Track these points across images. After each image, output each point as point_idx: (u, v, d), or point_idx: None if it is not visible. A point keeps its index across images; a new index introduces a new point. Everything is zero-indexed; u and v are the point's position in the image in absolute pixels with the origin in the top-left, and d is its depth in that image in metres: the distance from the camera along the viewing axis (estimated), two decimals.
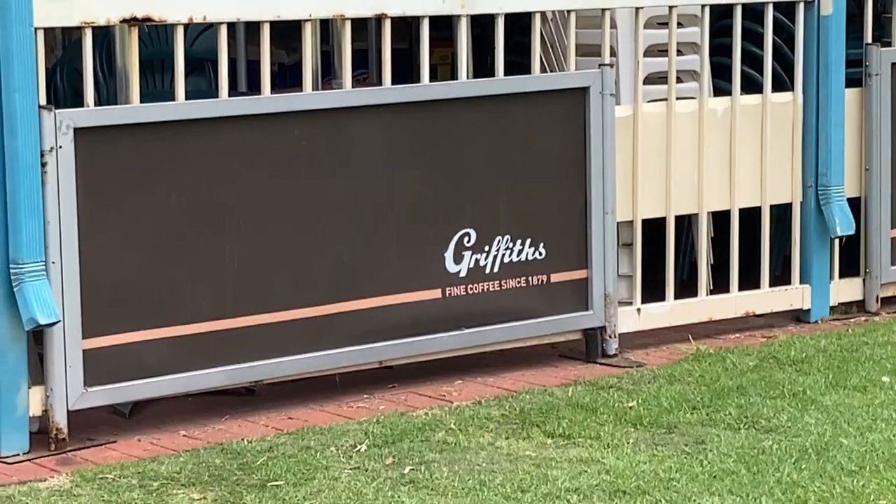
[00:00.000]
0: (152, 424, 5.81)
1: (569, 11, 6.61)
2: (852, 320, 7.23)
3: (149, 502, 5.01)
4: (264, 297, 5.94)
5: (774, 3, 7.05)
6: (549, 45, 6.75)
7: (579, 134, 6.48)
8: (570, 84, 6.51)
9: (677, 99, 6.88)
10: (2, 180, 5.45)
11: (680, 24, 6.92)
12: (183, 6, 5.77)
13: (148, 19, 5.73)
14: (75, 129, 5.49)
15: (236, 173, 5.87)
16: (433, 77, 6.42)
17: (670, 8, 6.81)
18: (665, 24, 6.88)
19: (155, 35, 6.00)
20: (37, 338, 5.55)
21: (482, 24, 6.46)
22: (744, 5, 6.98)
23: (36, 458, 5.47)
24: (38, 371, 5.58)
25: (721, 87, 7.10)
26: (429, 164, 6.25)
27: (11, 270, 5.43)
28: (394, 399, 6.12)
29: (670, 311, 6.93)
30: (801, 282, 7.22)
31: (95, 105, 5.73)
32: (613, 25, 6.79)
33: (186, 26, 5.86)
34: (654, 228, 6.91)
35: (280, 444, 5.54)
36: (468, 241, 6.29)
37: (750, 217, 7.10)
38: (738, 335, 6.98)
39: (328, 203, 6.05)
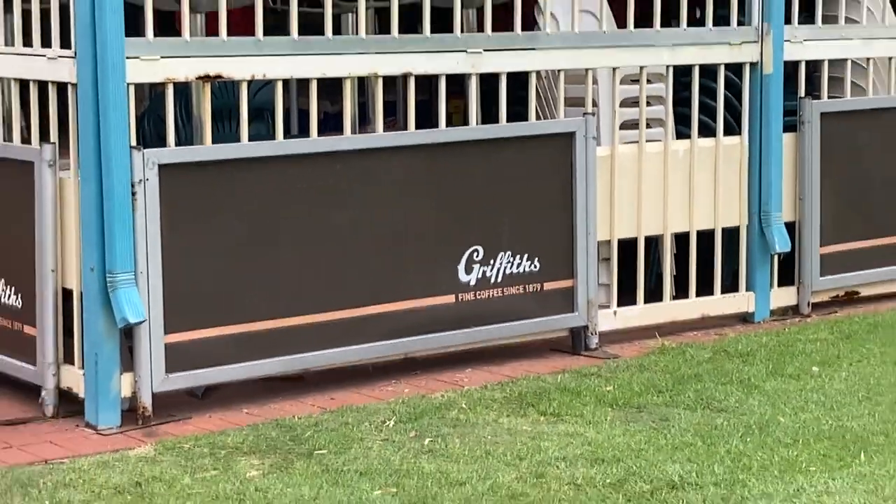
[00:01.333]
0: (220, 404, 5.82)
1: (559, 70, 6.65)
2: (788, 321, 7.22)
3: (217, 467, 5.02)
4: (311, 300, 5.93)
5: (726, 65, 7.06)
6: (542, 97, 6.73)
7: (567, 170, 6.48)
8: (559, 129, 6.51)
9: (647, 141, 6.87)
10: (100, 206, 5.46)
11: (649, 81, 6.91)
12: (247, 66, 5.79)
13: (218, 76, 5.75)
14: (159, 165, 5.50)
15: (288, 200, 5.85)
16: (448, 123, 6.41)
17: (641, 68, 6.83)
18: (636, 81, 6.88)
19: (224, 89, 5.99)
20: (127, 334, 5.55)
21: (488, 81, 6.46)
22: (700, 66, 6.98)
23: (126, 431, 5.49)
24: (128, 361, 5.58)
25: (682, 132, 7.07)
26: (445, 194, 6.24)
27: (107, 279, 5.45)
28: (416, 384, 6.13)
29: (640, 313, 6.93)
30: (747, 290, 7.21)
31: (176, 146, 5.72)
32: (595, 82, 6.77)
33: (249, 82, 5.85)
34: (627, 246, 6.90)
35: (324, 420, 5.56)
36: (476, 256, 6.30)
37: (705, 237, 7.09)
38: (695, 333, 6.96)
39: (363, 224, 6.03)
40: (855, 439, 5.25)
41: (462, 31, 6.44)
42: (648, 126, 6.92)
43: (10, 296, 5.90)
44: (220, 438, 5.35)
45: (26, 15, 5.87)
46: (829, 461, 5.02)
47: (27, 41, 5.89)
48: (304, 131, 6.18)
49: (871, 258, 7.54)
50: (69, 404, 5.70)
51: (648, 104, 6.92)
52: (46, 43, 5.77)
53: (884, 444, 5.20)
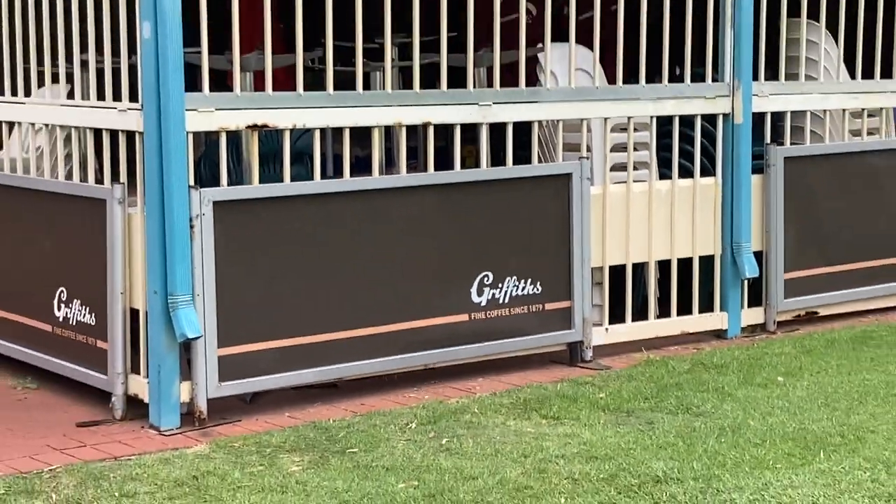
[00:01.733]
0: (266, 408, 5.82)
1: (558, 120, 6.66)
2: (757, 337, 7.20)
3: (263, 463, 5.04)
4: (344, 318, 5.93)
5: (702, 115, 7.05)
6: (543, 143, 6.74)
7: (565, 205, 6.47)
8: (558, 171, 6.50)
9: (634, 182, 6.87)
10: (162, 237, 5.47)
11: (635, 129, 6.91)
12: (289, 117, 5.81)
13: (265, 126, 5.77)
14: (213, 202, 5.53)
15: (325, 232, 5.86)
16: (463, 166, 6.41)
17: (628, 118, 6.84)
18: (625, 129, 6.88)
19: (269, 136, 6.01)
20: (186, 347, 5.57)
21: (497, 129, 6.48)
22: (680, 116, 6.98)
23: (184, 432, 5.50)
24: (186, 371, 5.60)
25: (664, 173, 7.05)
26: (459, 226, 6.23)
27: (169, 300, 5.46)
28: (434, 391, 6.13)
29: (628, 330, 6.90)
30: (721, 310, 7.19)
31: (228, 185, 5.74)
32: (589, 130, 6.77)
33: (291, 130, 5.88)
34: (617, 272, 6.89)
35: (355, 422, 5.56)
36: (487, 281, 6.29)
37: (685, 264, 7.07)
38: (676, 347, 6.93)
39: (389, 252, 6.03)
40: (815, 440, 5.25)
41: (474, 86, 6.46)
42: (635, 168, 6.92)
43: (85, 314, 5.91)
44: (265, 438, 5.36)
45: (100, 73, 5.91)
46: (793, 459, 5.02)
47: (101, 96, 5.93)
48: (338, 173, 6.19)
49: (828, 283, 7.51)
50: (135, 408, 5.71)
51: (635, 149, 6.91)
52: (117, 97, 5.81)
53: (840, 444, 5.20)
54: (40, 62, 6.43)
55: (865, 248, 7.63)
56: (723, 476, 4.81)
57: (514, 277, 6.37)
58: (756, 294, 7.35)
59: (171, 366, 5.56)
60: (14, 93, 6.57)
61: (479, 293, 6.28)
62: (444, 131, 6.35)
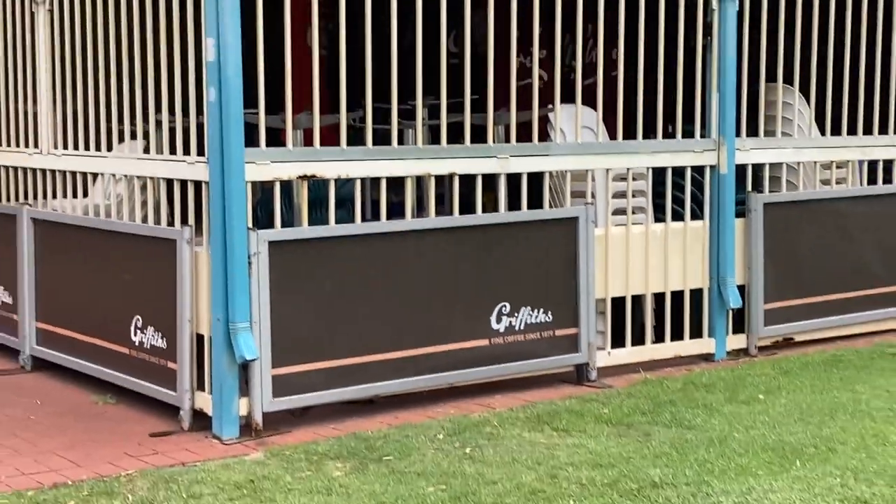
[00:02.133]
0: (313, 421, 5.82)
1: (566, 171, 6.65)
2: (740, 360, 7.15)
3: (311, 469, 5.04)
4: (381, 342, 5.91)
5: (692, 167, 7.04)
6: (553, 191, 6.75)
7: (573, 245, 6.46)
8: (567, 215, 6.49)
9: (632, 224, 6.86)
10: (224, 272, 5.45)
11: (634, 178, 6.91)
12: (334, 168, 5.84)
13: (313, 176, 5.80)
14: (269, 242, 5.55)
15: (365, 267, 5.85)
16: (483, 210, 6.38)
17: (627, 169, 6.84)
18: (625, 179, 6.88)
19: (317, 185, 6.03)
20: (244, 368, 5.56)
21: (514, 178, 6.49)
22: (672, 168, 6.97)
23: (242, 442, 5.51)
24: (244, 388, 5.60)
25: (659, 217, 7.04)
26: (480, 262, 6.21)
27: (230, 327, 5.48)
28: (459, 406, 6.10)
29: (628, 354, 6.88)
30: (709, 336, 7.16)
31: (281, 227, 5.74)
32: (593, 179, 6.76)
33: (336, 180, 5.90)
34: (618, 303, 6.87)
35: (390, 433, 5.55)
36: (505, 310, 6.27)
37: (677, 296, 7.06)
38: (670, 369, 6.90)
39: (420, 284, 6.03)
40: (792, 450, 5.22)
41: (493, 142, 6.45)
42: (634, 212, 6.91)
43: (157, 339, 5.92)
44: (312, 447, 5.36)
45: (171, 131, 5.95)
46: (773, 467, 5.00)
47: (172, 150, 5.97)
48: (375, 216, 6.21)
49: (803, 313, 7.48)
50: (200, 421, 5.72)
51: (633, 196, 6.91)
52: (186, 152, 5.85)
53: (814, 454, 5.17)
54: (121, 121, 6.48)
55: (835, 283, 7.59)
56: (711, 482, 4.79)
57: (528, 307, 6.35)
58: (739, 322, 7.32)
59: (232, 384, 5.57)
60: (98, 148, 6.61)
61: (498, 321, 6.27)
62: (467, 181, 6.36)
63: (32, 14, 7.00)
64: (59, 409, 6.10)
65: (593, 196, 6.76)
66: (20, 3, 7.14)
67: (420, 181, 6.38)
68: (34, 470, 5.10)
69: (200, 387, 5.76)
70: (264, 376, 5.57)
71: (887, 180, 7.96)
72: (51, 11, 6.86)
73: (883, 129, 7.90)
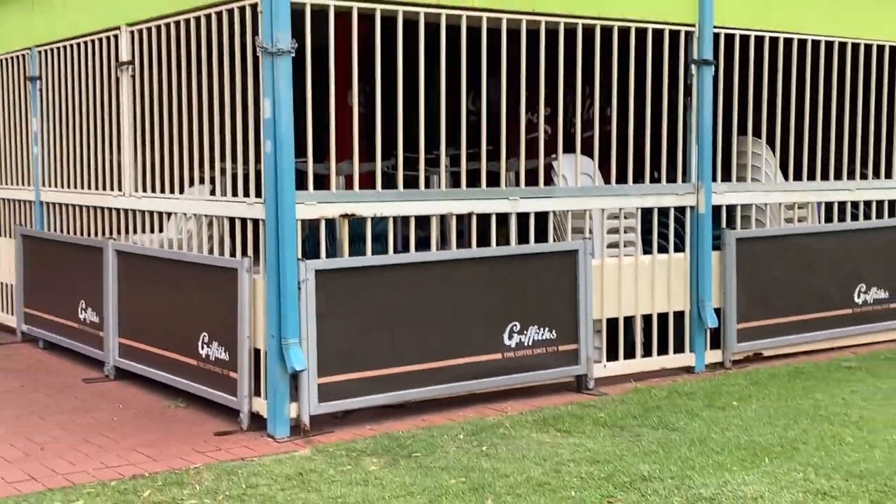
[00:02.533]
0: (352, 423, 5.81)
1: (567, 211, 6.64)
2: (717, 372, 7.11)
3: (350, 463, 5.04)
4: (410, 355, 5.89)
5: (675, 207, 7.01)
6: (556, 227, 6.73)
7: (573, 273, 6.44)
8: (568, 248, 6.46)
9: (624, 256, 6.85)
10: (278, 296, 5.43)
11: (625, 217, 6.89)
12: (370, 208, 5.84)
13: (353, 215, 5.80)
14: (315, 270, 5.55)
15: (396, 292, 5.83)
16: (497, 244, 6.37)
17: (620, 209, 6.83)
18: (617, 217, 6.87)
19: (356, 222, 6.03)
20: (294, 377, 5.56)
21: (523, 217, 6.49)
22: (658, 208, 6.95)
23: (292, 440, 5.51)
24: (294, 394, 5.60)
25: (647, 250, 7.03)
26: (495, 288, 6.19)
27: (282, 342, 5.48)
28: (476, 411, 6.08)
29: (621, 366, 6.83)
30: (690, 351, 7.11)
31: (325, 258, 5.76)
32: (590, 217, 6.76)
33: (372, 218, 5.90)
34: (612, 323, 6.87)
35: (418, 434, 5.54)
36: (515, 328, 6.25)
37: (662, 317, 7.04)
38: (657, 379, 6.86)
39: (443, 306, 6.00)
40: (761, 449, 5.20)
41: (505, 185, 6.46)
42: (625, 246, 6.90)
43: (221, 352, 5.93)
44: (352, 445, 5.36)
45: (234, 176, 5.98)
46: (745, 463, 4.97)
47: (234, 193, 5.99)
48: (405, 249, 6.22)
49: (770, 331, 7.42)
50: (257, 422, 5.72)
51: (625, 232, 6.90)
52: (246, 194, 5.87)
53: (780, 453, 5.15)
54: (191, 168, 6.53)
55: (797, 306, 7.55)
56: (693, 476, 4.77)
57: (536, 326, 6.33)
58: (716, 339, 7.28)
59: (284, 391, 5.57)
60: (172, 191, 6.66)
61: (510, 338, 6.25)
62: (483, 218, 6.37)
63: (118, 79, 7.08)
64: (137, 412, 6.13)
65: (590, 232, 6.76)
66: (107, 69, 7.21)
67: (443, 219, 6.39)
68: (116, 463, 5.12)
69: (257, 393, 5.77)
70: (311, 384, 5.57)
71: (842, 219, 7.94)
72: (133, 77, 6.94)
73: (838, 176, 7.87)
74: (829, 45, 7.67)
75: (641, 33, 6.78)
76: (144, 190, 6.94)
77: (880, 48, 7.95)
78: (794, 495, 4.51)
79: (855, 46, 7.78)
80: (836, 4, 7.59)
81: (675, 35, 6.95)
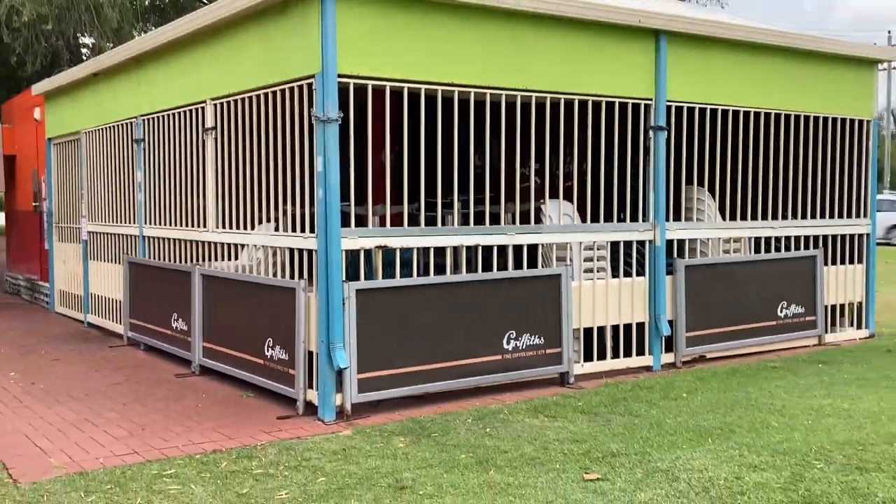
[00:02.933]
0: (384, 409, 5.77)
1: (553, 243, 6.63)
2: (671, 371, 7.04)
3: (382, 442, 5.01)
4: (428, 356, 5.85)
5: (637, 241, 6.99)
6: (544, 256, 6.72)
7: (557, 293, 6.39)
8: (553, 273, 6.41)
9: (597, 279, 6.82)
10: (327, 310, 5.44)
11: (598, 248, 6.88)
12: (399, 241, 5.82)
13: (385, 246, 5.80)
14: (356, 290, 5.52)
15: (419, 307, 5.78)
16: (498, 269, 6.36)
17: (594, 242, 6.81)
18: (591, 249, 6.86)
19: (387, 252, 6.01)
20: (339, 373, 5.54)
21: (518, 248, 6.47)
22: (624, 241, 6.92)
23: (337, 423, 5.47)
24: (339, 387, 5.56)
25: (615, 274, 7.02)
26: (496, 303, 6.14)
27: (330, 346, 5.45)
28: (481, 401, 6.02)
29: (594, 366, 6.77)
30: (649, 354, 7.04)
31: (364, 280, 5.71)
32: (570, 249, 6.74)
33: (400, 249, 5.89)
34: (588, 331, 6.82)
35: (435, 418, 5.51)
36: (512, 336, 6.21)
37: (627, 327, 6.99)
38: (623, 376, 6.79)
39: (455, 318, 5.96)
40: (706, 431, 5.15)
41: (504, 223, 6.49)
42: (598, 271, 6.89)
43: (282, 354, 5.91)
44: (384, 427, 5.34)
45: (293, 217, 6.00)
46: (693, 443, 4.93)
47: (294, 229, 6.01)
48: (426, 273, 6.21)
49: (712, 338, 7.38)
50: (310, 409, 5.70)
51: (598, 260, 6.89)
52: (303, 230, 5.89)
53: (720, 434, 5.10)
54: (260, 210, 6.55)
55: (733, 319, 7.49)
56: (652, 452, 4.74)
57: (528, 333, 6.30)
58: (669, 345, 7.24)
59: (331, 384, 5.55)
60: (245, 227, 6.69)
61: (508, 343, 6.22)
62: (487, 249, 6.36)
63: (204, 141, 7.14)
64: (216, 401, 6.11)
65: (571, 260, 6.75)
66: (196, 133, 7.27)
67: (456, 249, 6.40)
68: (200, 440, 5.11)
69: (310, 386, 5.75)
70: (352, 379, 5.55)
71: (767, 250, 7.91)
72: (216, 139, 6.99)
73: (764, 216, 7.85)
74: (757, 115, 7.66)
75: (610, 105, 6.81)
76: (224, 227, 6.96)
77: (797, 117, 7.94)
78: (731, 468, 4.47)
79: (777, 116, 7.78)
80: (766, 84, 7.61)
81: (636, 107, 6.97)
